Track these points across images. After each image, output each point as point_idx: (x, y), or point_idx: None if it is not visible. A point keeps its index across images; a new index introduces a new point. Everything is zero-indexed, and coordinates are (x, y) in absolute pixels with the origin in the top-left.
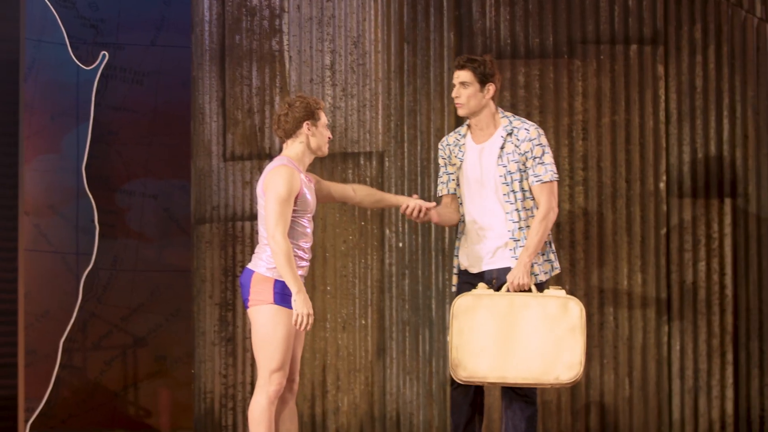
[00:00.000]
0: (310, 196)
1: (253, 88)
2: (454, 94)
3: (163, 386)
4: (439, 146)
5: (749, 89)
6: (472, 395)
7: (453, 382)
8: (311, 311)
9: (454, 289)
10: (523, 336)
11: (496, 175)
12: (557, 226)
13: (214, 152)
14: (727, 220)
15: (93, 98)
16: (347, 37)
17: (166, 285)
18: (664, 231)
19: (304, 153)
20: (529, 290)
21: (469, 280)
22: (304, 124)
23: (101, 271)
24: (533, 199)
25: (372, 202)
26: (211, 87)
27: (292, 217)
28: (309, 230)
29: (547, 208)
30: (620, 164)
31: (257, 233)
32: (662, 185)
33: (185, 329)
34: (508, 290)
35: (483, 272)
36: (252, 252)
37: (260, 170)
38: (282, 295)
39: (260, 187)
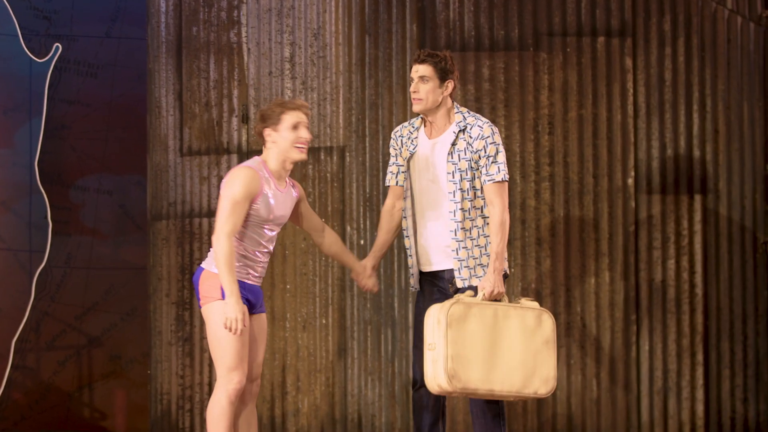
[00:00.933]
0: (274, 203)
1: (211, 81)
2: (412, 89)
3: (119, 387)
4: (392, 136)
5: (720, 83)
6: (435, 397)
7: (415, 383)
8: (240, 316)
9: (413, 289)
10: (506, 347)
11: (444, 171)
12: (522, 223)
13: (170, 147)
14: (697, 217)
15: (46, 91)
16: (307, 29)
17: (121, 283)
18: (632, 228)
19: (276, 159)
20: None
21: (426, 279)
22: (264, 131)
23: (54, 269)
24: (483, 198)
25: (331, 252)
26: (168, 80)
27: (248, 222)
28: (265, 240)
29: (501, 209)
30: (587, 159)
31: None
32: (630, 181)
33: (141, 329)
34: (484, 299)
35: (435, 272)
36: (209, 248)
37: (218, 165)
38: None
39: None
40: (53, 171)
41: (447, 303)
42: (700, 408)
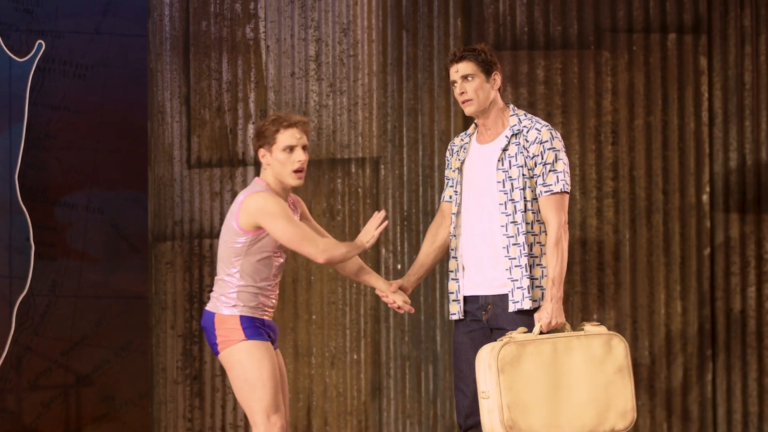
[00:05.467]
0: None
1: (223, 82)
2: (458, 91)
3: None
4: (447, 147)
5: None
6: None
7: (460, 427)
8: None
9: (453, 317)
10: (571, 384)
11: (494, 180)
12: (583, 245)
13: (176, 158)
14: None
15: (27, 95)
16: (335, 24)
17: (114, 314)
18: (707, 251)
19: (273, 181)
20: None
21: (468, 303)
22: (259, 152)
23: (38, 297)
24: (536, 212)
25: (349, 272)
26: (173, 81)
27: (257, 253)
28: (276, 270)
29: (557, 227)
30: (656, 173)
31: None
32: (705, 198)
33: (138, 366)
34: (541, 331)
35: (476, 296)
36: None
37: (231, 178)
38: (253, 329)
39: (235, 220)
40: (36, 186)
41: (497, 344)
42: None
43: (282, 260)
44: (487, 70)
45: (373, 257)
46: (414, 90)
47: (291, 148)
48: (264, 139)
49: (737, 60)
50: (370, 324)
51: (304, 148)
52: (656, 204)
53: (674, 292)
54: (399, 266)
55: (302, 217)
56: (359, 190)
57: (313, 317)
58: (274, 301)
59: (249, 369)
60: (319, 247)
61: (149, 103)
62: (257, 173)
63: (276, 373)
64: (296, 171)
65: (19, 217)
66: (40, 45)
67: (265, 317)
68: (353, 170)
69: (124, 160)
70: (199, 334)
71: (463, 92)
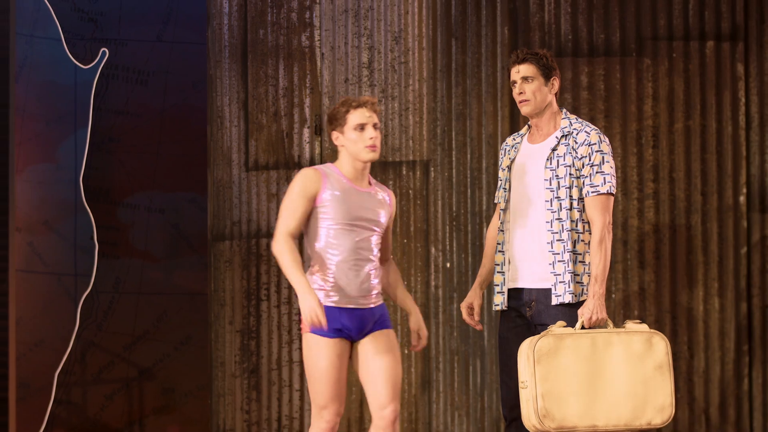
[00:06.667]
0: (349, 200)
1: (280, 88)
2: (517, 91)
3: (173, 423)
4: (500, 148)
5: None
6: None
7: (505, 418)
8: (313, 306)
9: (497, 308)
10: (609, 378)
11: (542, 178)
12: (624, 244)
13: (234, 161)
14: None
15: (92, 101)
16: (387, 32)
17: (174, 310)
18: (744, 250)
19: (348, 161)
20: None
21: (512, 297)
22: (332, 135)
23: (101, 294)
24: (581, 210)
25: (387, 291)
26: (231, 87)
27: (322, 221)
28: (348, 244)
29: (601, 226)
30: (695, 175)
31: None
32: (742, 199)
33: (196, 359)
34: (583, 326)
35: (521, 289)
36: (278, 273)
37: (287, 181)
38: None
39: None
40: (100, 188)
41: (536, 337)
42: None
43: (362, 238)
44: (547, 74)
45: (423, 255)
46: (462, 95)
47: (362, 126)
48: (336, 121)
49: None
50: None
51: (375, 126)
52: (695, 205)
53: (712, 289)
54: (448, 264)
55: (390, 217)
56: (410, 191)
57: None
58: (356, 286)
59: (307, 363)
60: (277, 236)
61: (208, 109)
62: None
63: (333, 371)
64: (369, 146)
65: (83, 217)
66: (104, 53)
67: (342, 305)
68: (404, 173)
69: (184, 163)
70: (257, 329)
71: (521, 92)
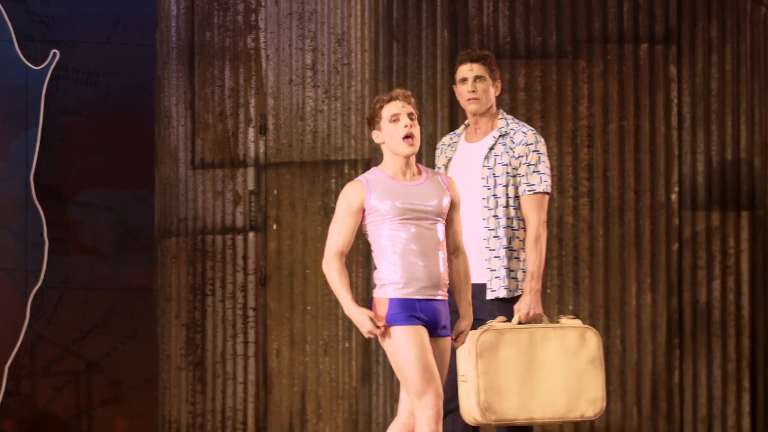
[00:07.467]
0: (399, 195)
1: (226, 89)
2: (469, 89)
3: (120, 415)
4: (437, 147)
5: None
6: (464, 425)
7: (444, 412)
8: (365, 319)
9: None
10: (545, 371)
11: (479, 176)
12: (559, 241)
13: (181, 159)
14: (745, 234)
15: (43, 101)
16: (330, 35)
17: (122, 305)
18: (676, 246)
19: (389, 158)
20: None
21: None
22: (372, 135)
23: (51, 289)
24: (517, 208)
25: (450, 281)
26: (179, 88)
27: (379, 223)
28: (409, 237)
29: (537, 224)
30: (629, 174)
31: (230, 247)
32: (674, 197)
33: (143, 352)
34: (519, 321)
35: None
36: (223, 268)
37: (233, 179)
38: (395, 315)
39: None
40: (50, 186)
41: (477, 332)
42: None
43: (425, 225)
44: (493, 75)
45: (363, 250)
46: None
47: (396, 117)
48: (373, 120)
49: (704, 68)
50: None
51: (410, 116)
52: (628, 203)
53: (644, 284)
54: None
55: (453, 198)
56: None
57: (308, 308)
58: (426, 276)
59: (393, 355)
60: (326, 255)
61: (156, 109)
62: (257, 174)
63: (423, 356)
64: (406, 138)
65: (34, 214)
66: (54, 54)
67: (414, 296)
68: (346, 171)
69: (132, 161)
70: (202, 323)
71: (474, 90)
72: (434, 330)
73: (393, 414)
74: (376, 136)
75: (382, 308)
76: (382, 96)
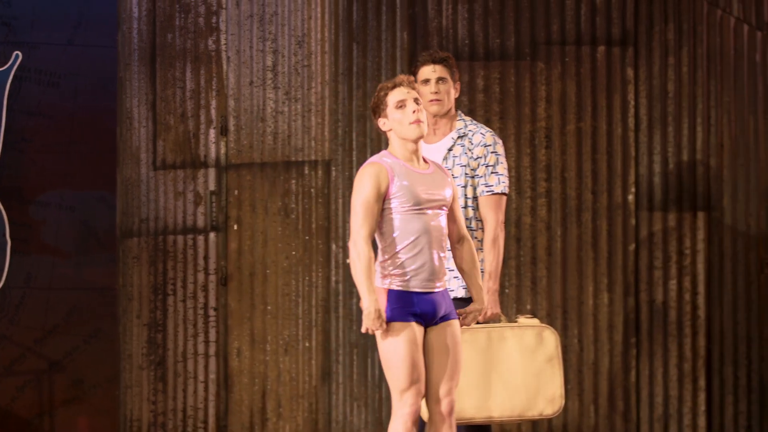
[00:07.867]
0: (416, 185)
1: (187, 90)
2: (432, 90)
3: (82, 414)
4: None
5: (725, 94)
6: (424, 424)
7: None
8: (372, 311)
9: None
10: (503, 371)
11: None
12: (517, 241)
13: (142, 160)
14: (701, 235)
15: (5, 102)
16: (291, 37)
17: (84, 304)
18: (632, 247)
19: (398, 144)
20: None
21: None
22: (378, 123)
23: (13, 289)
24: (475, 209)
25: (459, 269)
26: (140, 89)
27: (392, 210)
28: (418, 228)
29: (495, 225)
30: (586, 175)
31: (191, 247)
32: (631, 197)
33: (105, 352)
34: (478, 321)
35: None
36: (184, 268)
37: (194, 179)
38: (393, 309)
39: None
40: (12, 186)
41: None
42: None
43: (434, 216)
44: (454, 77)
45: (323, 251)
46: (363, 98)
47: (402, 103)
48: (378, 108)
49: (661, 71)
50: (321, 314)
51: (416, 101)
52: (586, 203)
53: (602, 284)
54: (348, 261)
55: (453, 190)
56: (312, 190)
57: (268, 307)
58: (427, 269)
59: (383, 349)
60: (357, 241)
61: (118, 110)
62: (218, 175)
63: (414, 354)
64: (413, 122)
65: None
66: (17, 56)
67: (416, 289)
68: (307, 172)
69: (94, 162)
70: (164, 323)
71: (437, 92)
72: (433, 321)
73: (352, 413)
74: (383, 124)
75: (381, 298)
76: (386, 83)
